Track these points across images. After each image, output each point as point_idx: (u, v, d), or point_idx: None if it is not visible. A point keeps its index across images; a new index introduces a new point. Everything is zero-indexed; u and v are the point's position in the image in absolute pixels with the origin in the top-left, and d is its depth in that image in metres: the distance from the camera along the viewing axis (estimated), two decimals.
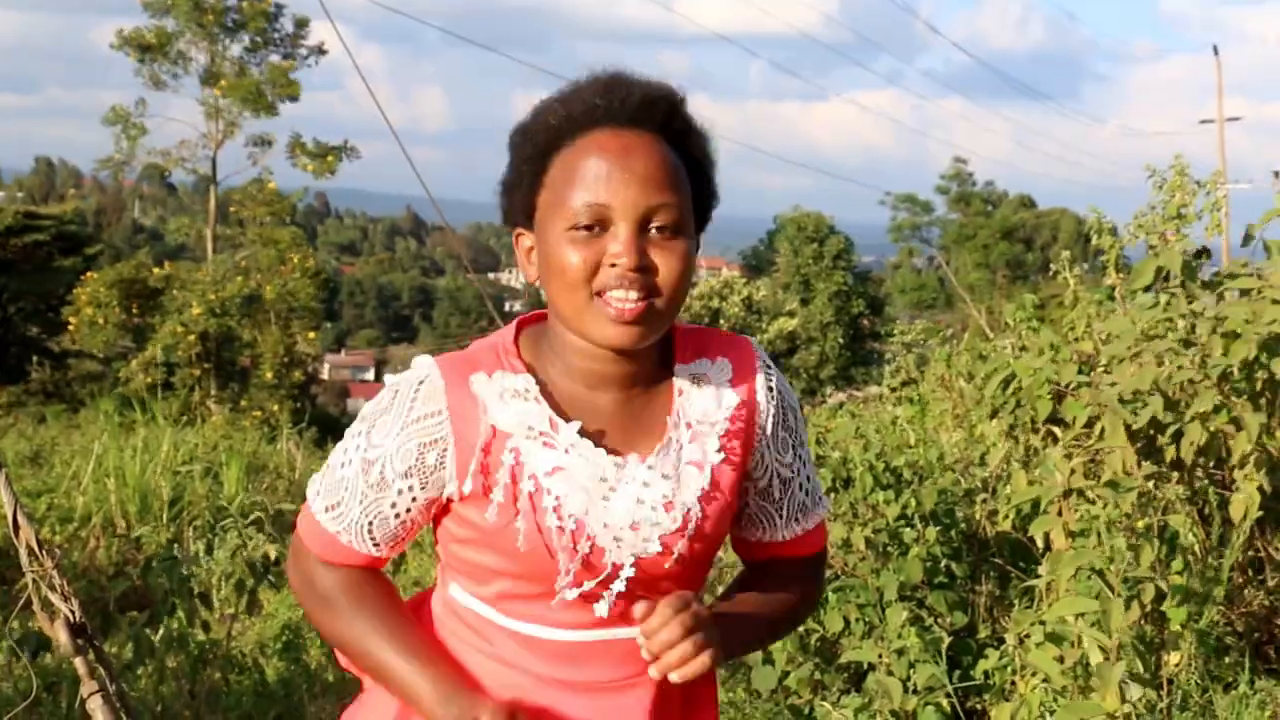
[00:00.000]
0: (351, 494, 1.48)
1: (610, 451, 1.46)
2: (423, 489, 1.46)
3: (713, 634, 1.43)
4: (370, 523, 1.49)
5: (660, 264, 1.40)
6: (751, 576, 1.67)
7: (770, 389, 1.56)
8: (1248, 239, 3.92)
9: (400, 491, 1.46)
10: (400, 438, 1.45)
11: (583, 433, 1.45)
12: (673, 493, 1.46)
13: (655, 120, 1.43)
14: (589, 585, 1.45)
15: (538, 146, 1.44)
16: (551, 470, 1.43)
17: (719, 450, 1.50)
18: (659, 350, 1.52)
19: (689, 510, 1.46)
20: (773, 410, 1.56)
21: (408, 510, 1.48)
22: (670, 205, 1.40)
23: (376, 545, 1.50)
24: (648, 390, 1.51)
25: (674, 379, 1.52)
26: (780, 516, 1.60)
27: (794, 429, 1.60)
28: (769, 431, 1.56)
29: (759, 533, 1.62)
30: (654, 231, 1.40)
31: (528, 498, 1.42)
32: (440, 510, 1.51)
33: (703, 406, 1.51)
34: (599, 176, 1.39)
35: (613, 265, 1.38)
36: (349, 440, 1.50)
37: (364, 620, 1.50)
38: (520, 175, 1.46)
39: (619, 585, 1.45)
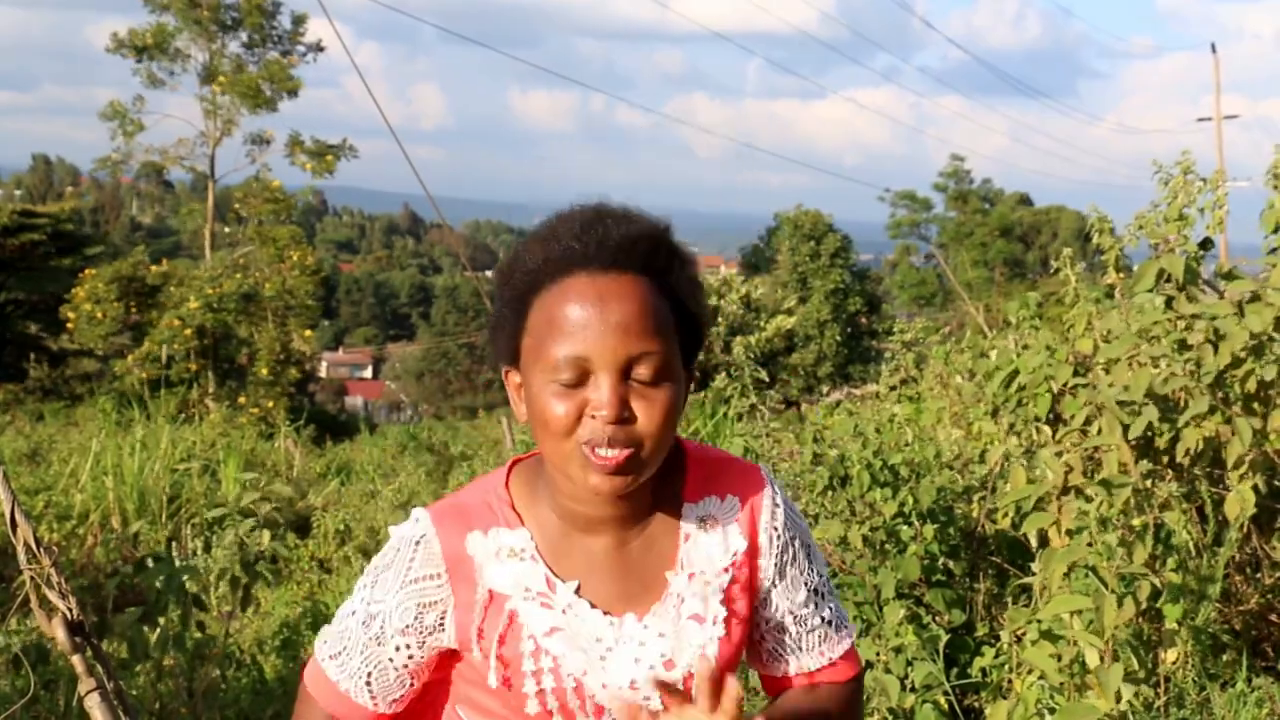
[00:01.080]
0: (353, 644, 1.50)
1: (606, 611, 1.46)
2: (420, 647, 1.48)
3: None
4: (369, 673, 1.50)
5: (642, 413, 1.36)
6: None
7: (776, 530, 1.53)
8: None
9: (398, 648, 1.48)
10: (399, 596, 1.47)
11: (579, 591, 1.46)
12: (671, 650, 1.46)
13: (635, 261, 1.39)
14: None
15: (516, 290, 1.41)
16: (549, 631, 1.44)
17: (722, 602, 1.49)
18: (664, 481, 1.49)
19: (690, 667, 1.46)
20: (776, 552, 1.53)
21: (405, 666, 1.50)
22: (651, 353, 1.36)
23: (374, 699, 1.51)
24: (647, 532, 1.49)
25: (680, 523, 1.50)
26: (801, 648, 1.58)
27: (806, 564, 1.57)
28: (773, 575, 1.53)
29: (783, 666, 1.59)
30: (635, 381, 1.36)
31: (530, 658, 1.44)
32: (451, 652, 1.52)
33: (708, 554, 1.49)
34: (576, 327, 1.35)
35: (593, 417, 1.36)
36: (356, 593, 1.52)
37: None
38: (503, 318, 1.44)
39: None
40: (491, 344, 1.49)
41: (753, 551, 1.52)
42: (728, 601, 1.49)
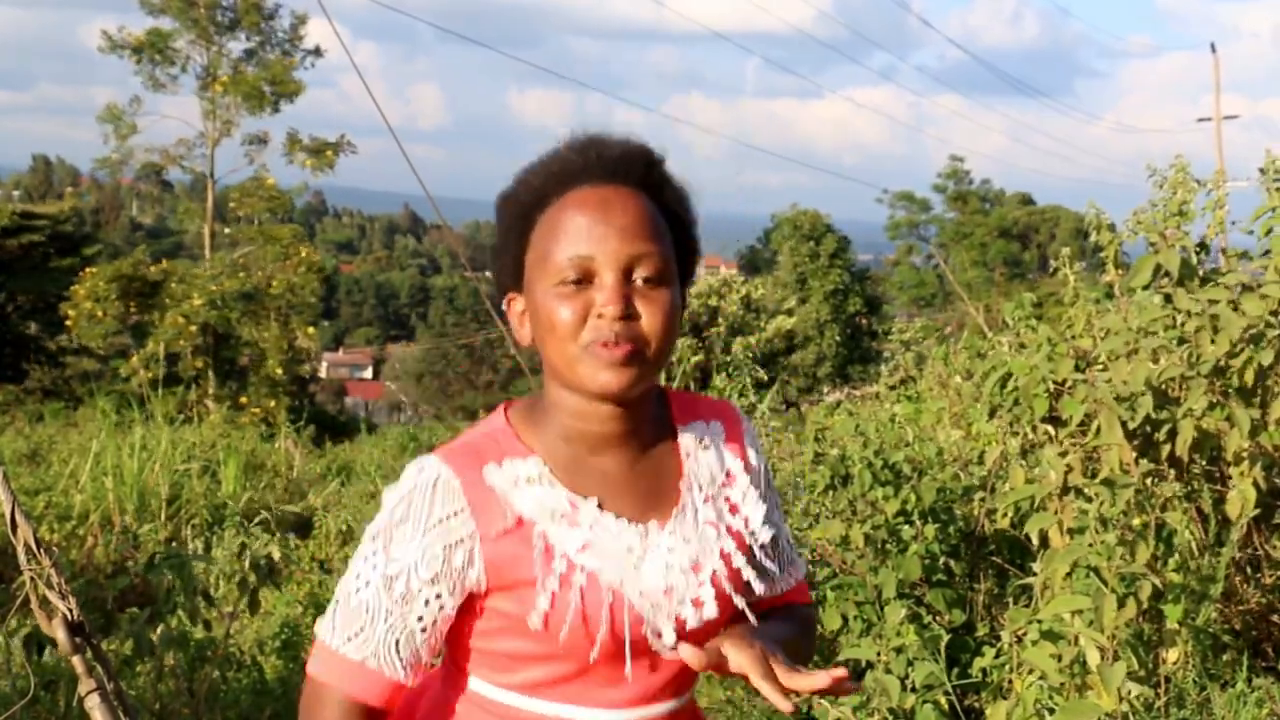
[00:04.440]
0: (374, 615, 1.44)
1: (631, 521, 1.48)
2: (451, 594, 1.44)
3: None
4: (398, 640, 1.44)
5: (645, 313, 1.42)
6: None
7: (758, 450, 1.63)
8: None
9: (427, 601, 1.43)
10: (423, 544, 1.43)
11: (601, 507, 1.47)
12: (697, 555, 1.49)
13: (633, 174, 1.46)
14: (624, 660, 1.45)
15: (521, 208, 1.47)
16: (581, 547, 1.44)
17: (730, 511, 1.54)
18: (655, 412, 1.56)
19: (715, 571, 1.50)
20: (764, 469, 1.63)
21: (434, 622, 1.45)
22: (652, 254, 1.43)
23: (404, 667, 1.45)
24: (650, 451, 1.53)
25: (678, 441, 1.56)
26: (779, 569, 1.65)
27: (773, 484, 1.67)
28: (763, 489, 1.61)
29: (760, 590, 1.64)
30: (639, 281, 1.42)
31: (559, 579, 1.42)
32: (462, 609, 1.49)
33: (709, 468, 1.56)
34: (581, 230, 1.42)
35: (599, 316, 1.40)
36: (359, 565, 1.46)
37: None
38: (507, 239, 1.50)
39: (666, 645, 1.46)
40: (495, 271, 1.55)
41: (747, 467, 1.60)
42: (733, 510, 1.55)
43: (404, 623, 1.44)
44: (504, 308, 1.53)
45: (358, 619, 1.45)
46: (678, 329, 1.46)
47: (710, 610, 1.48)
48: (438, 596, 1.43)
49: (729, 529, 1.53)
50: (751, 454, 1.61)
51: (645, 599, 1.44)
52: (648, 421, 1.53)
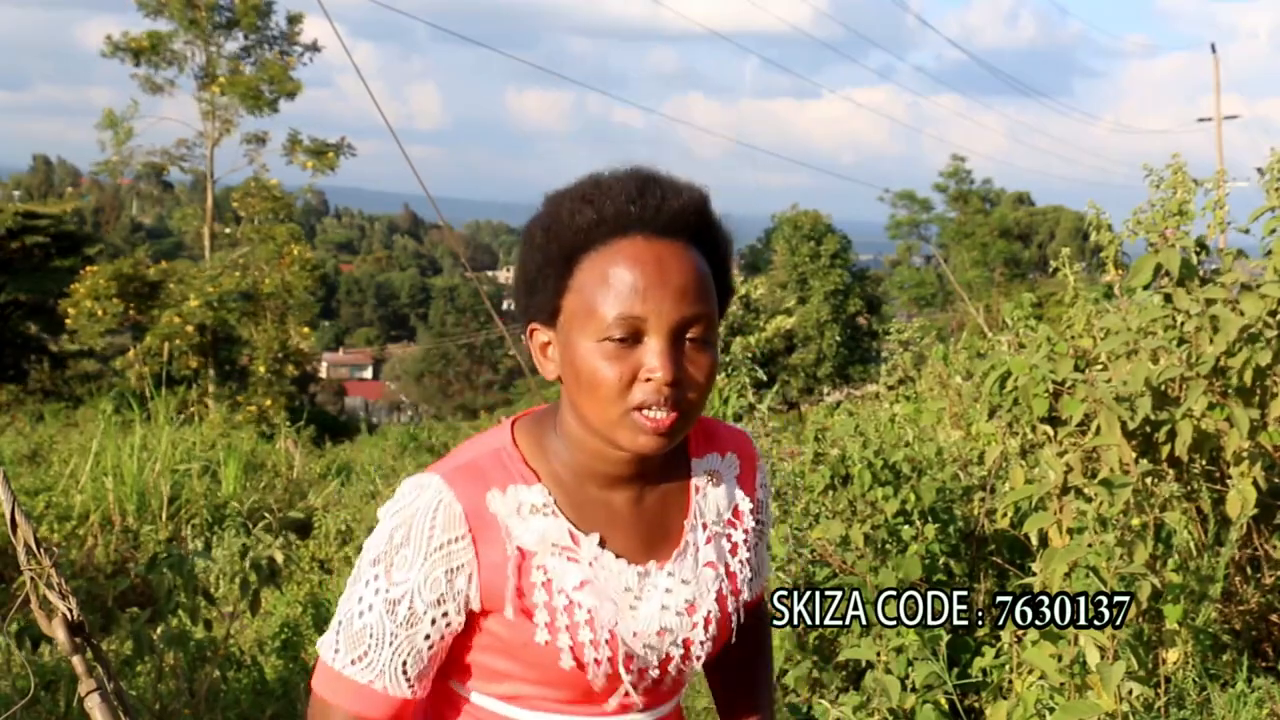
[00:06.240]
0: (378, 639, 1.42)
1: (631, 560, 1.47)
2: (458, 613, 1.43)
3: None
4: (405, 662, 1.43)
5: (690, 376, 1.39)
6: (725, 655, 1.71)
7: (766, 486, 1.65)
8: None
9: (434, 620, 1.42)
10: (425, 567, 1.41)
11: (602, 544, 1.46)
12: (694, 596, 1.50)
13: (687, 230, 1.41)
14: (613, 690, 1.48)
15: (564, 247, 1.39)
16: (580, 585, 1.43)
17: (731, 551, 1.55)
18: None
19: (709, 613, 1.51)
20: (767, 506, 1.66)
21: (441, 638, 1.44)
22: (703, 316, 1.38)
23: (411, 685, 1.44)
24: (661, 486, 1.52)
25: (691, 477, 1.55)
26: (756, 577, 1.65)
27: (770, 519, 1.70)
28: (767, 522, 1.66)
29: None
30: (687, 342, 1.38)
31: (564, 612, 1.42)
32: None
33: (718, 506, 1.56)
34: (633, 288, 1.36)
35: (648, 380, 1.36)
36: (361, 588, 1.44)
37: None
38: (544, 275, 1.41)
39: (652, 678, 1.50)
40: (523, 300, 1.47)
41: (755, 508, 1.61)
42: (733, 550, 1.56)
43: (411, 644, 1.43)
44: (526, 338, 1.47)
45: (361, 643, 1.43)
46: (715, 383, 1.49)
47: (699, 650, 1.51)
48: (444, 615, 1.43)
49: (727, 569, 1.54)
50: (760, 491, 1.63)
51: (639, 639, 1.46)
52: (661, 457, 1.48)
